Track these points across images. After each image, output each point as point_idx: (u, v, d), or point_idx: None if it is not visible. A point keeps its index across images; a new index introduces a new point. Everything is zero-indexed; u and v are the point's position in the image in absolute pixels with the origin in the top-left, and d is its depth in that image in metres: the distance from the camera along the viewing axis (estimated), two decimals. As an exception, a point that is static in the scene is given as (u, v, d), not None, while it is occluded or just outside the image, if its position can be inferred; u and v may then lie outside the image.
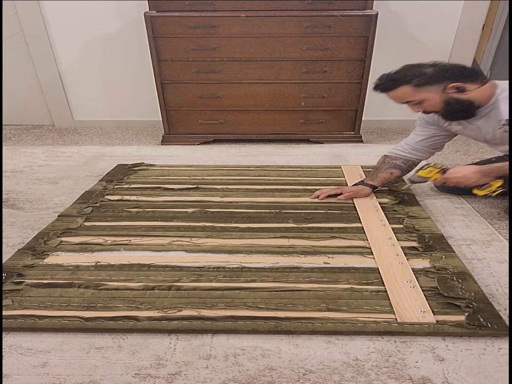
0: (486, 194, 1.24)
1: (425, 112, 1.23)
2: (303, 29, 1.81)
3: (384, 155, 1.50)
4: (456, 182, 1.25)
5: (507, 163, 1.17)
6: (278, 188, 1.53)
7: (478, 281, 0.97)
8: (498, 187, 1.22)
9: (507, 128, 1.14)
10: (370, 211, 1.32)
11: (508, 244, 1.15)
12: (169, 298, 0.92)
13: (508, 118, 1.12)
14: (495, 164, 1.22)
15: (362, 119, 2.08)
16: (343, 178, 1.61)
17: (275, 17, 1.79)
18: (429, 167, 1.29)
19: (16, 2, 2.13)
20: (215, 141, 2.17)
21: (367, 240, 1.16)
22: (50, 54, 2.27)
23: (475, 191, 1.25)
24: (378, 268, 1.02)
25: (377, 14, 1.77)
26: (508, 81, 1.18)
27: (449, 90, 1.13)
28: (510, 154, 1.13)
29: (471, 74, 1.15)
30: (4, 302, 0.90)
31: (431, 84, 1.14)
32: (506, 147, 1.22)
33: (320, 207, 1.36)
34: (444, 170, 1.26)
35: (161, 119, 2.10)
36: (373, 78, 1.98)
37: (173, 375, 0.75)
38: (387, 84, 1.19)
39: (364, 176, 1.62)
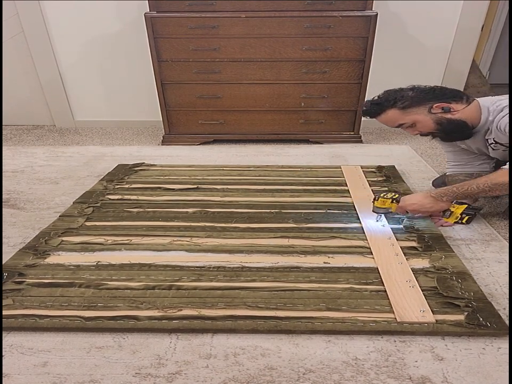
0: (457, 222, 1.22)
1: (421, 134, 1.23)
2: (303, 29, 1.82)
3: (447, 175, 1.44)
4: (415, 211, 1.21)
5: (455, 185, 1.17)
6: (278, 188, 1.54)
7: (477, 281, 0.97)
8: (463, 213, 1.20)
9: (495, 146, 1.17)
10: (369, 211, 1.32)
11: (507, 243, 1.16)
12: (170, 298, 0.92)
13: (495, 138, 1.15)
14: (443, 188, 1.21)
15: (362, 119, 2.08)
16: (342, 178, 1.62)
17: (275, 18, 1.79)
18: (379, 197, 1.21)
19: (17, 2, 2.13)
20: (215, 141, 2.17)
21: (367, 240, 1.16)
22: (51, 54, 2.27)
23: (444, 219, 1.23)
24: (377, 268, 1.03)
25: (376, 15, 1.77)
26: (488, 98, 1.18)
27: (435, 111, 1.15)
28: (510, 159, 1.12)
29: (454, 94, 1.17)
30: (5, 302, 0.91)
31: (415, 105, 1.16)
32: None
33: (320, 207, 1.37)
34: (396, 200, 1.20)
35: (161, 119, 2.10)
36: (372, 79, 2.01)
37: (173, 374, 0.75)
38: (373, 109, 1.22)
39: (364, 176, 1.62)
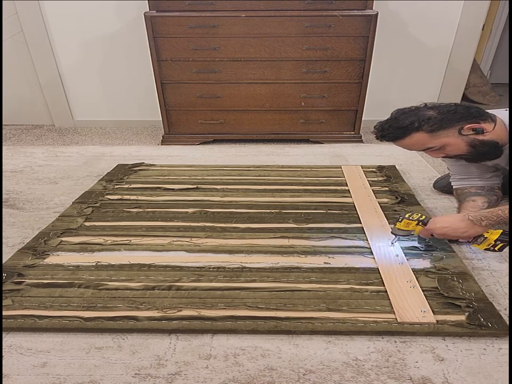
0: (488, 249, 1.06)
1: (448, 156, 1.15)
2: (303, 29, 1.81)
3: (454, 188, 1.34)
4: (443, 234, 1.07)
5: (500, 208, 1.06)
6: (278, 188, 1.53)
7: (478, 281, 0.97)
8: (497, 240, 1.04)
9: None
10: (370, 211, 1.32)
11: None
12: (169, 298, 0.92)
13: None
14: (485, 210, 1.09)
15: (362, 119, 2.08)
16: (343, 178, 1.61)
17: (275, 17, 1.79)
18: (403, 219, 1.08)
19: (16, 2, 2.13)
20: (215, 141, 2.17)
21: (367, 240, 1.16)
22: (50, 54, 2.27)
23: (474, 245, 1.09)
24: (378, 268, 1.02)
25: (377, 14, 1.77)
26: (503, 113, 1.12)
27: (466, 132, 1.06)
28: (510, 171, 1.10)
29: (479, 113, 1.08)
30: (4, 302, 0.90)
31: (444, 127, 1.06)
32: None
33: (320, 207, 1.36)
34: (423, 222, 1.08)
35: (161, 119, 2.10)
36: (373, 78, 2.00)
37: (173, 375, 0.75)
38: (396, 133, 1.10)
39: (364, 176, 1.62)
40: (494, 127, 1.07)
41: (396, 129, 1.10)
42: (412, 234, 1.11)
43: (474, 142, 1.07)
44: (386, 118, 1.14)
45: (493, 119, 1.09)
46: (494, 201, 1.22)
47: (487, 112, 1.10)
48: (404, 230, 1.09)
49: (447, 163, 1.35)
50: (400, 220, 1.09)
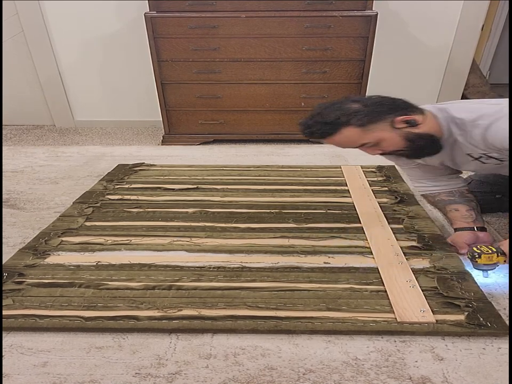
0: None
1: (384, 153, 1.06)
2: (303, 29, 1.82)
3: (422, 195, 1.31)
4: None
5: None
6: (278, 188, 1.54)
7: (478, 281, 0.97)
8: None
9: (487, 160, 1.03)
10: (369, 211, 1.33)
11: (507, 243, 1.15)
12: (170, 298, 0.92)
13: (480, 153, 1.01)
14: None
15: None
16: (342, 178, 1.62)
17: (275, 18, 1.79)
18: (482, 254, 0.96)
19: (17, 2, 2.13)
20: (215, 141, 2.17)
21: (367, 240, 1.16)
22: (51, 54, 2.27)
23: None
24: (378, 268, 1.03)
25: (376, 15, 1.77)
26: (433, 106, 1.06)
27: (399, 125, 0.98)
28: (510, 171, 1.07)
29: (407, 105, 1.01)
30: (5, 302, 0.91)
31: (375, 121, 0.98)
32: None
33: (320, 207, 1.37)
34: (502, 252, 0.96)
35: (161, 119, 2.10)
36: (372, 78, 2.00)
37: (173, 374, 0.75)
38: (324, 129, 1.00)
39: (364, 176, 1.62)
40: (425, 119, 1.00)
41: (323, 125, 0.99)
42: (495, 268, 0.99)
43: (409, 136, 0.99)
44: (309, 115, 1.04)
45: (421, 111, 1.02)
46: (474, 206, 1.17)
47: (414, 104, 1.03)
48: (487, 265, 0.97)
49: (401, 166, 1.31)
50: (478, 255, 0.96)
